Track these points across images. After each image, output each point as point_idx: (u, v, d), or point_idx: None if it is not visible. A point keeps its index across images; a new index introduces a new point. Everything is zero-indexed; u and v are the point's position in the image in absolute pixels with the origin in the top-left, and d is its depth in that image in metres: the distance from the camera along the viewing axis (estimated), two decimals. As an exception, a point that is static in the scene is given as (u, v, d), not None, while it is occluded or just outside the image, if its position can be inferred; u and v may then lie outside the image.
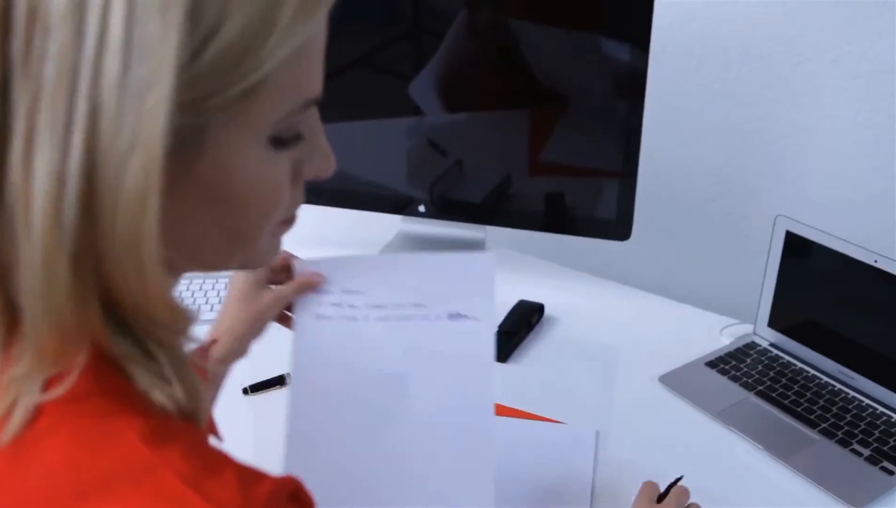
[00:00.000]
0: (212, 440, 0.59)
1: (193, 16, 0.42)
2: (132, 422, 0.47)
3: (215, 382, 0.89)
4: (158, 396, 0.48)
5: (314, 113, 0.54)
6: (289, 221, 0.57)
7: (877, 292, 1.19)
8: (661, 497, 0.94)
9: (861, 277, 1.19)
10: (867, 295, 1.21)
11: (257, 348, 1.36)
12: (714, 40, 1.65)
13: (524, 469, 1.07)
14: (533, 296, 1.45)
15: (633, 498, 1.04)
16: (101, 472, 0.46)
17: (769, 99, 1.63)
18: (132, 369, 0.48)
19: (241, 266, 0.56)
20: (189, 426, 0.50)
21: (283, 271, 0.95)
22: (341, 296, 0.92)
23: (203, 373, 0.54)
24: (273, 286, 0.92)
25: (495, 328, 0.90)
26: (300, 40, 0.46)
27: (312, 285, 0.92)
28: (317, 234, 1.74)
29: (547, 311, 1.43)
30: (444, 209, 1.55)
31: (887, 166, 1.53)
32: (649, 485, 0.96)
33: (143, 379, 0.48)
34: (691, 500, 0.95)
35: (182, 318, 0.49)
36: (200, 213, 0.49)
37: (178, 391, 0.49)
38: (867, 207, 1.57)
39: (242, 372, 1.26)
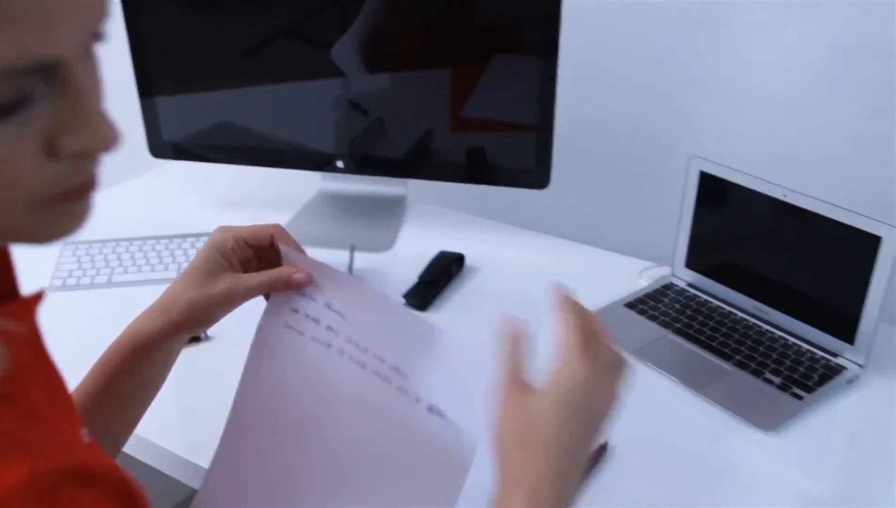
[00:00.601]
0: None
1: None
2: None
3: (144, 360, 0.80)
4: None
5: (73, 76, 0.45)
6: (73, 194, 0.48)
7: (787, 226, 1.21)
8: None
9: (772, 212, 1.21)
10: (778, 230, 1.23)
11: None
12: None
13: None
14: (454, 248, 1.44)
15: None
16: None
17: (687, 49, 1.64)
18: None
19: (11, 241, 0.50)
20: None
21: (270, 251, 0.82)
22: (322, 310, 0.79)
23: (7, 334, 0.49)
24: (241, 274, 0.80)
25: (477, 445, 0.72)
26: None
27: (290, 285, 0.79)
28: (232, 194, 1.72)
29: (468, 261, 1.43)
30: (363, 164, 1.54)
31: (805, 113, 1.54)
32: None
33: None
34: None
35: None
36: None
37: None
38: (785, 154, 1.58)
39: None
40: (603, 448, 0.99)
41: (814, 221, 1.16)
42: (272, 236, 0.83)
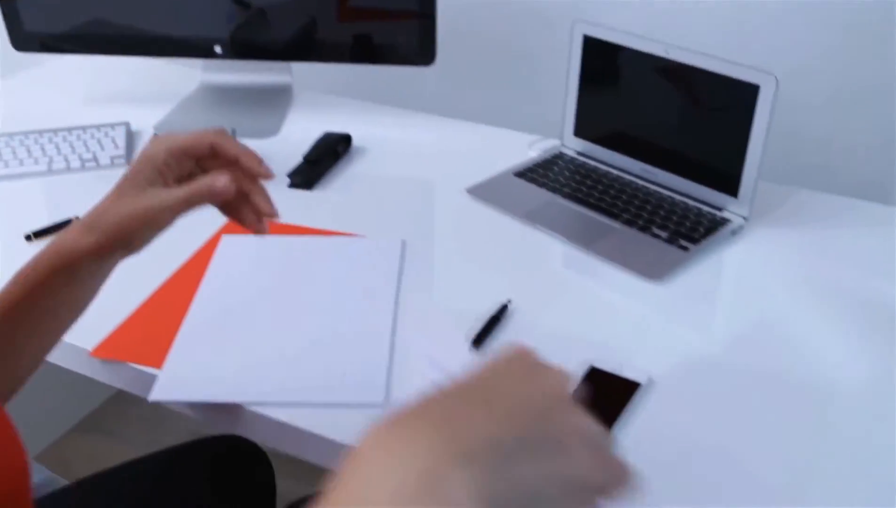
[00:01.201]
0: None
1: None
2: None
3: (69, 277, 0.73)
4: None
5: None
6: None
7: (670, 85, 1.20)
8: None
9: (655, 72, 1.20)
10: (662, 91, 1.22)
11: (40, 188, 1.28)
12: None
13: (326, 280, 1.04)
14: (343, 130, 1.40)
15: (439, 302, 1.03)
16: None
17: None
18: None
19: None
20: None
21: (215, 162, 0.74)
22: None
23: None
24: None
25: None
26: None
27: (214, 194, 0.72)
28: (108, 88, 1.64)
29: (355, 142, 1.39)
30: (243, 50, 1.47)
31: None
32: None
33: None
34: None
35: None
36: None
37: None
38: (667, 21, 1.58)
39: (25, 217, 1.18)
40: (504, 307, 0.99)
41: (696, 76, 1.15)
42: (211, 144, 0.74)
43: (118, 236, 0.72)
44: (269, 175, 0.77)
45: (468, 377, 0.46)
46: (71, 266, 0.73)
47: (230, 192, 0.72)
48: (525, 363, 0.47)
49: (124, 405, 2.07)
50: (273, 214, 0.78)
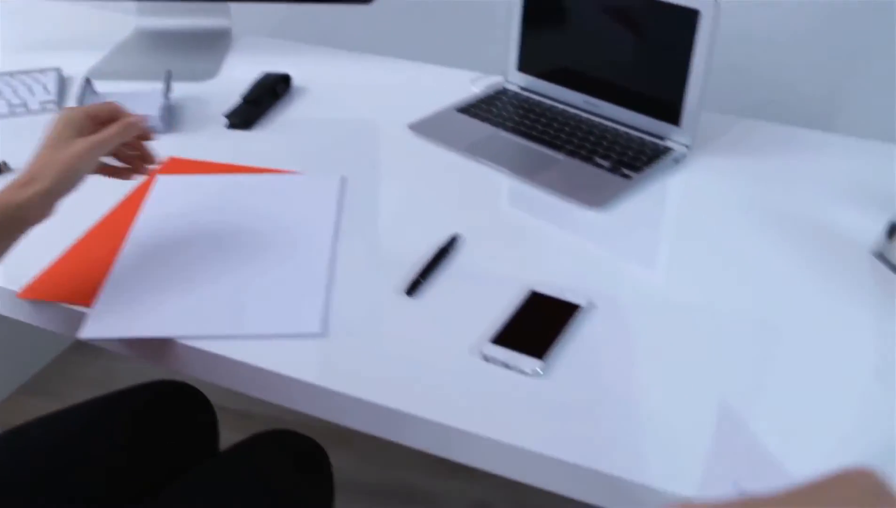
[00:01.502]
0: None
1: None
2: None
3: (7, 231, 0.80)
4: None
5: None
6: None
7: (613, 14, 1.19)
8: None
9: (597, 2, 1.18)
10: (605, 20, 1.20)
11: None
12: None
13: (263, 216, 1.02)
14: (281, 71, 1.37)
15: (381, 235, 1.01)
16: None
17: None
18: None
19: None
20: None
21: (110, 122, 0.89)
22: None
23: None
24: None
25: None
26: None
27: (134, 129, 0.89)
28: (43, 35, 1.59)
29: (296, 83, 1.36)
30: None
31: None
32: None
33: None
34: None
35: None
36: None
37: None
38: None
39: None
40: (454, 240, 0.97)
41: (637, 5, 1.14)
42: (113, 110, 0.89)
43: (65, 177, 0.82)
44: (151, 137, 0.94)
45: (794, 490, 0.43)
46: (10, 220, 0.79)
47: (145, 124, 0.91)
48: (870, 488, 0.44)
49: (72, 367, 2.03)
50: (156, 161, 0.95)
